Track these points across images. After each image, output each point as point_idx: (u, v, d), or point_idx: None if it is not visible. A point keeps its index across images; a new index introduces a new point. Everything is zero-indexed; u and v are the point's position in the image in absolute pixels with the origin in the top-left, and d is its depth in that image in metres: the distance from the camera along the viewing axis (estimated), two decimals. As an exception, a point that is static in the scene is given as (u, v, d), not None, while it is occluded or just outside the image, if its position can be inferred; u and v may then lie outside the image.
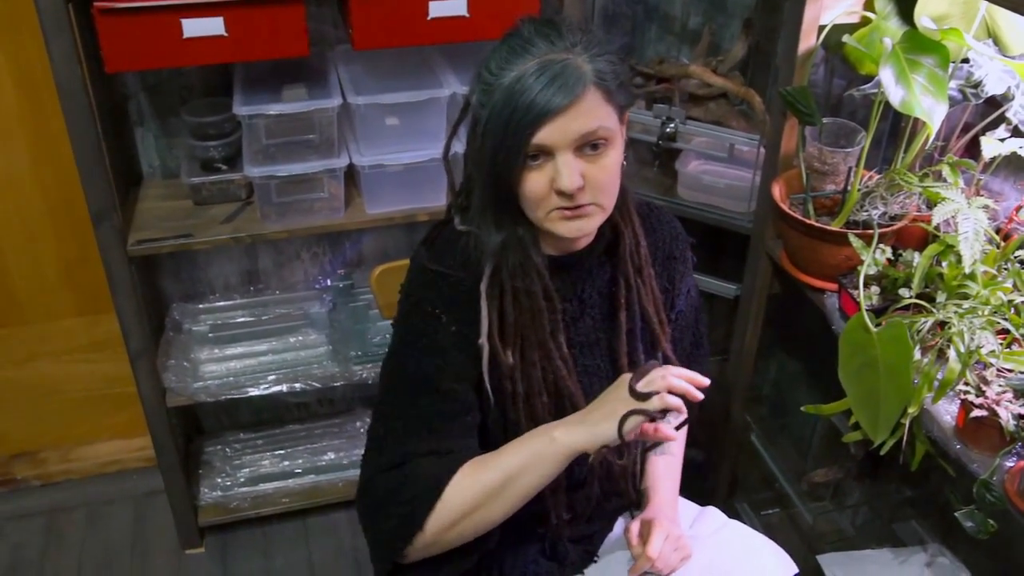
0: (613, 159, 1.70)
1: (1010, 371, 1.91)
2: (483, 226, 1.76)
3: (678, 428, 1.79)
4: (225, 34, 2.39)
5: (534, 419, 1.82)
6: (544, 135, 1.61)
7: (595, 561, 2.08)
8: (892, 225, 2.22)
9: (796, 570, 2.03)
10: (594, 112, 1.64)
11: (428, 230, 1.92)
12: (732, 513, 2.25)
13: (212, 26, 2.37)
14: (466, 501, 1.72)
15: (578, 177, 1.65)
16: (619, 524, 2.12)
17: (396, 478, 1.77)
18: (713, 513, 2.17)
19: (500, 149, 1.64)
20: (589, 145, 1.66)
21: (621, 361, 1.92)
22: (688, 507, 2.21)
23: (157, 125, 2.96)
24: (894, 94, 1.99)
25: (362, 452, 3.34)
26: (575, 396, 1.84)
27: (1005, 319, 1.90)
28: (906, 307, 2.05)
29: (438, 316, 1.79)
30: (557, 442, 1.70)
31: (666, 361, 1.98)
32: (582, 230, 1.73)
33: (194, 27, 2.36)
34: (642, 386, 1.67)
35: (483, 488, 1.72)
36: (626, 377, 1.71)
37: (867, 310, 1.99)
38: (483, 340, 1.77)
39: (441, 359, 1.79)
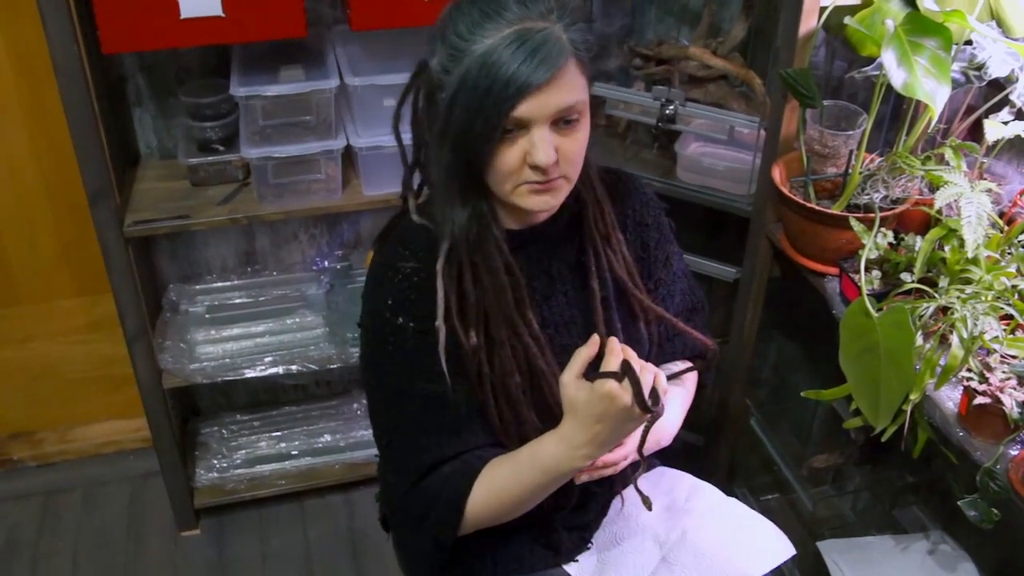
0: (584, 132, 1.68)
1: (1014, 358, 1.90)
2: (447, 201, 1.72)
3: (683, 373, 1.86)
4: (222, 15, 2.38)
5: (509, 400, 1.80)
6: (523, 109, 1.57)
7: (588, 548, 2.07)
8: (894, 209, 2.21)
9: (794, 552, 2.01)
10: (572, 85, 1.61)
11: (383, 227, 1.91)
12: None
13: (209, 6, 2.36)
14: (489, 509, 1.79)
15: (553, 151, 1.62)
16: (613, 509, 2.10)
17: (417, 503, 1.81)
18: (710, 490, 2.14)
19: (475, 122, 1.59)
20: (563, 119, 1.63)
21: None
22: (685, 478, 2.17)
23: (154, 106, 2.95)
24: (896, 76, 1.97)
25: (358, 433, 3.36)
26: (549, 374, 1.80)
27: (1009, 304, 1.89)
28: (908, 292, 2.04)
29: (395, 320, 1.77)
30: (577, 470, 1.76)
31: (647, 330, 1.97)
32: (549, 204, 1.71)
33: (191, 7, 2.35)
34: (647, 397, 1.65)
35: (502, 505, 1.79)
36: (604, 392, 1.65)
37: (868, 295, 1.98)
38: (439, 322, 1.74)
39: (409, 364, 1.78)
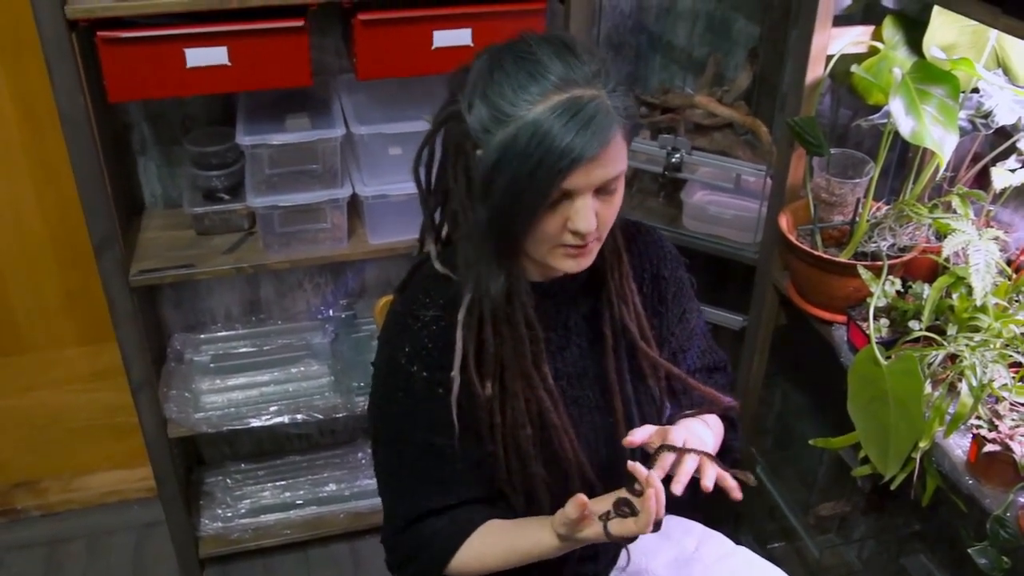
0: (620, 197, 1.68)
1: (1023, 405, 1.89)
2: (479, 259, 1.70)
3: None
4: (229, 64, 2.38)
5: (519, 452, 1.79)
6: (573, 180, 1.56)
7: (601, 596, 2.06)
8: (901, 256, 2.21)
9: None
10: (618, 156, 1.60)
11: (405, 274, 1.91)
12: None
13: (216, 56, 2.37)
14: (472, 569, 1.83)
15: (595, 219, 1.61)
16: (622, 558, 2.08)
17: (403, 547, 1.88)
18: (720, 539, 2.12)
19: (523, 191, 1.57)
20: (605, 188, 1.62)
21: (612, 390, 1.87)
22: (694, 527, 2.16)
23: (159, 154, 2.95)
24: (904, 125, 1.98)
25: (363, 483, 3.35)
26: (560, 428, 1.79)
27: (1018, 352, 1.89)
28: (916, 340, 2.04)
29: (409, 367, 1.77)
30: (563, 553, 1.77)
31: (656, 384, 1.94)
32: (582, 266, 1.70)
33: (198, 57, 2.36)
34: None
35: (484, 568, 1.83)
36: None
37: (877, 343, 1.97)
38: (455, 372, 1.73)
39: (415, 413, 1.79)
